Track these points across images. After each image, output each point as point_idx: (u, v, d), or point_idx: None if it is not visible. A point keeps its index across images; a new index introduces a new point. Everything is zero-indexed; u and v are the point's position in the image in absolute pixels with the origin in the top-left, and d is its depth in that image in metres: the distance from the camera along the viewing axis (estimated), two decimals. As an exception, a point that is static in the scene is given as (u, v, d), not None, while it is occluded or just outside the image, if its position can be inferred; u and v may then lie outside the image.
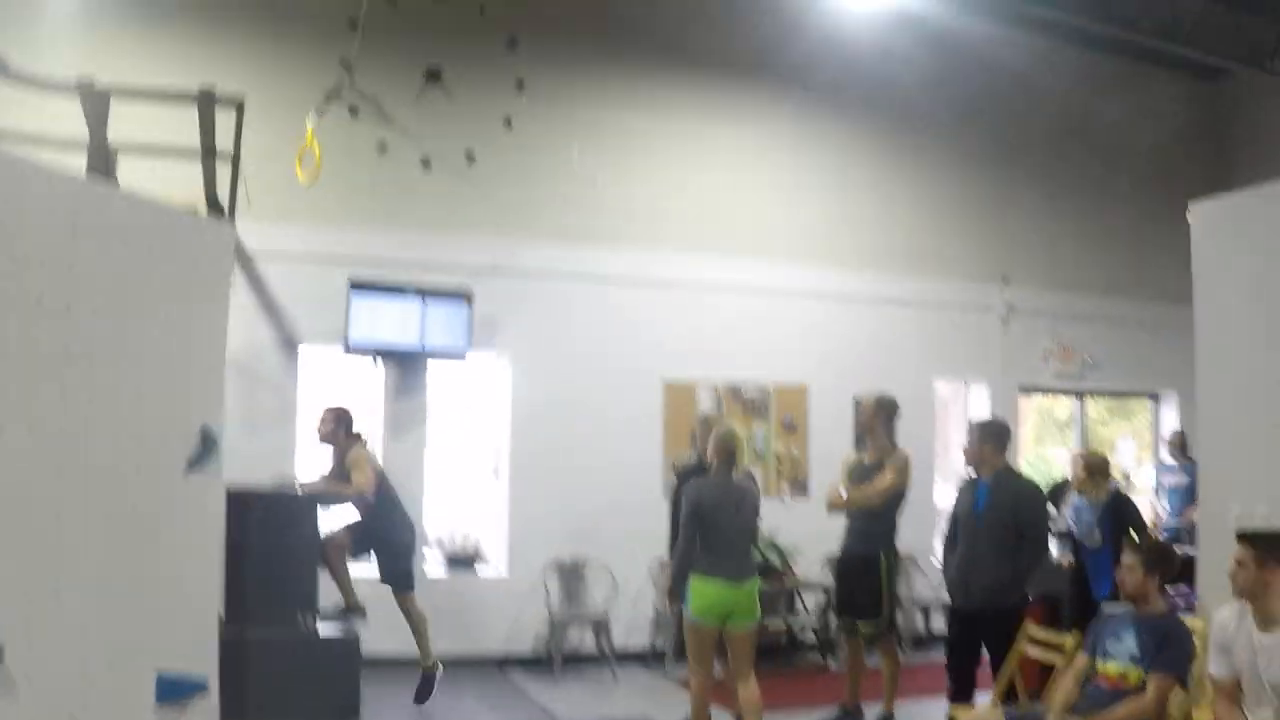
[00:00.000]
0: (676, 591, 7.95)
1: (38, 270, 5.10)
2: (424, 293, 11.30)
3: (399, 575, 9.47)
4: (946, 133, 13.72)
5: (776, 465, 12.58)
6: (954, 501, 8.22)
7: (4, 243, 4.89)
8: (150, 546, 5.62)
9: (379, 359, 11.49)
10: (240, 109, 8.16)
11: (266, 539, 8.18)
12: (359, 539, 9.33)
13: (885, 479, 8.69)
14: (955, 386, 14.15)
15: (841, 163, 13.33)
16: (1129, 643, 6.04)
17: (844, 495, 8.86)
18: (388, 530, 9.38)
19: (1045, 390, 14.89)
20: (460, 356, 11.45)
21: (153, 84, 8.47)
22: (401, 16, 11.82)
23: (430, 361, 11.60)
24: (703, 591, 7.68)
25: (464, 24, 11.97)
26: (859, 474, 8.90)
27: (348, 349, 11.08)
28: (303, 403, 11.30)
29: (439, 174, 11.86)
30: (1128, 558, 6.18)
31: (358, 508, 9.27)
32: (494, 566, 11.91)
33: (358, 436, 9.41)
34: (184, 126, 8.40)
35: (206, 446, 6.17)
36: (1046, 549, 8.09)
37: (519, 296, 11.85)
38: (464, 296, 11.41)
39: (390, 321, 11.17)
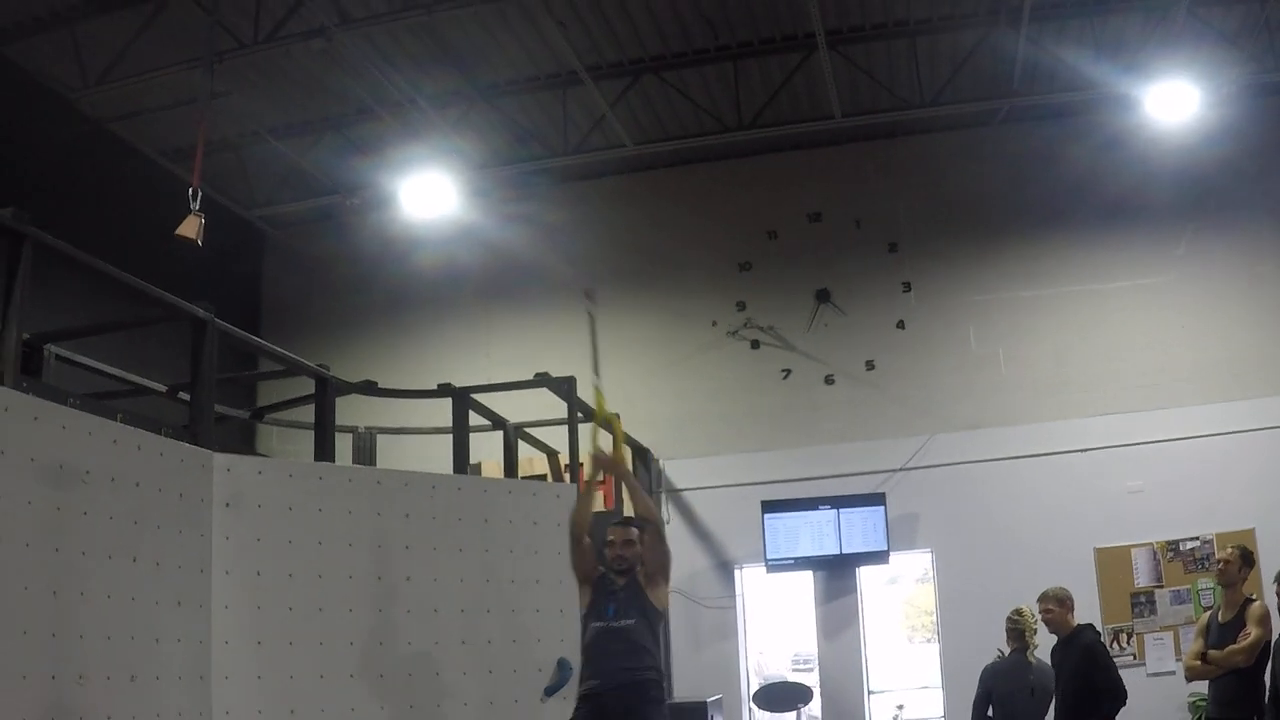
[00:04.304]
0: None
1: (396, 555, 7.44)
2: (837, 502, 11.91)
3: None
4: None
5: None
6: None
7: (377, 541, 7.37)
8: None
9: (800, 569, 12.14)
10: (572, 386, 9.32)
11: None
12: None
13: (1250, 634, 8.19)
14: None
15: (1246, 283, 12.25)
16: None
17: (1203, 660, 8.35)
18: None
19: None
20: (882, 557, 11.87)
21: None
22: (784, 248, 12.91)
23: (858, 564, 12.07)
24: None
25: (842, 241, 12.86)
26: (1216, 634, 8.41)
27: (768, 566, 11.87)
28: (743, 620, 12.25)
29: (841, 386, 12.59)
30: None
31: None
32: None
33: None
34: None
35: (563, 675, 7.79)
36: None
37: (934, 489, 12.09)
38: (878, 500, 11.90)
39: (807, 535, 11.84)
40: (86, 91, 11.18)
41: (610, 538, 6.73)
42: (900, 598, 12.96)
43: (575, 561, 6.78)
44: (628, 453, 10.08)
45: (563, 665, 7.86)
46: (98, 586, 5.72)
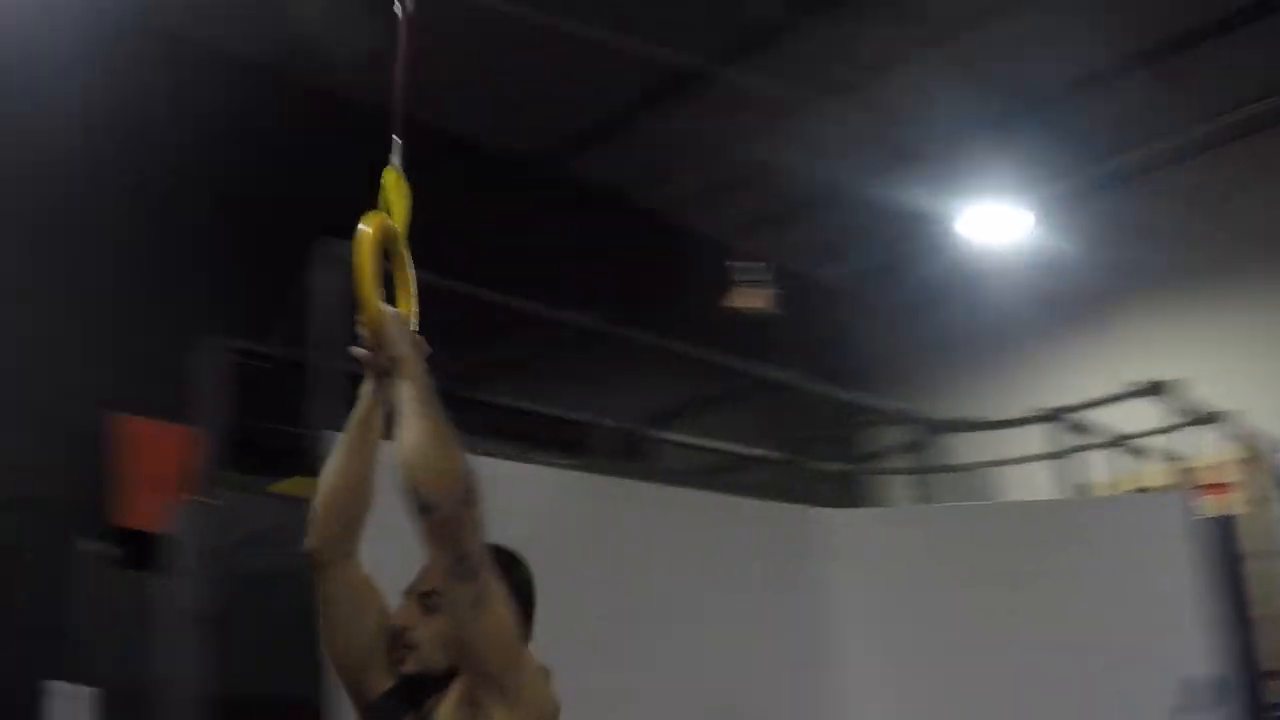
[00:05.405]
0: None
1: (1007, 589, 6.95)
2: None
3: None
4: None
5: None
6: None
7: (990, 578, 6.91)
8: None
9: None
10: (1177, 389, 8.77)
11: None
12: None
13: None
14: None
15: None
16: None
17: None
18: None
19: None
20: None
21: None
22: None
23: None
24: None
25: None
26: None
27: None
28: None
29: None
30: None
31: None
32: None
33: None
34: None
35: (1193, 696, 7.04)
36: None
37: None
38: None
39: None
40: (647, 189, 11.94)
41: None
42: None
43: (325, 629, 3.03)
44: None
45: (1188, 683, 7.36)
46: (715, 654, 5.97)
